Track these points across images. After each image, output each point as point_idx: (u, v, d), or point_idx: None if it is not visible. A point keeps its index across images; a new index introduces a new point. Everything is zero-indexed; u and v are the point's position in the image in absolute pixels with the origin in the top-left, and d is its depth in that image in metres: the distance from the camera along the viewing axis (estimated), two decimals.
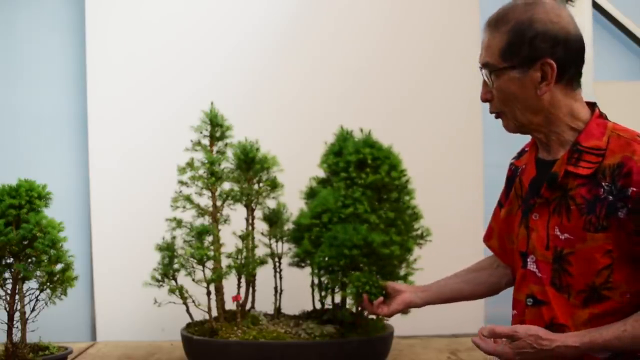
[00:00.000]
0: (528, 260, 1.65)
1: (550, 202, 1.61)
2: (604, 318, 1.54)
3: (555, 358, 1.54)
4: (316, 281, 2.82)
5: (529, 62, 1.57)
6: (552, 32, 1.56)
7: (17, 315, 2.45)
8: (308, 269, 2.77)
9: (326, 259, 2.53)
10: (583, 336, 1.52)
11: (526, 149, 1.85)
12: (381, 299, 2.11)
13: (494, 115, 1.69)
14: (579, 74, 1.62)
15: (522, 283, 1.67)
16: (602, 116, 1.64)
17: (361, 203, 2.58)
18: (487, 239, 1.96)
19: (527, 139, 1.83)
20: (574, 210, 1.56)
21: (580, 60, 1.61)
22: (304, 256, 2.73)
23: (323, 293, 2.84)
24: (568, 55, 1.57)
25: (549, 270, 1.60)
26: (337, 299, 2.79)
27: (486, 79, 1.64)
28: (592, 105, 1.66)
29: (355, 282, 2.22)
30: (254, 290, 2.82)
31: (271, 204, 2.89)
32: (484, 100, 1.66)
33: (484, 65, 1.63)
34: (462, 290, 2.00)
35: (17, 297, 2.46)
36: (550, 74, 1.57)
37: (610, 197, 1.51)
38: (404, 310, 2.11)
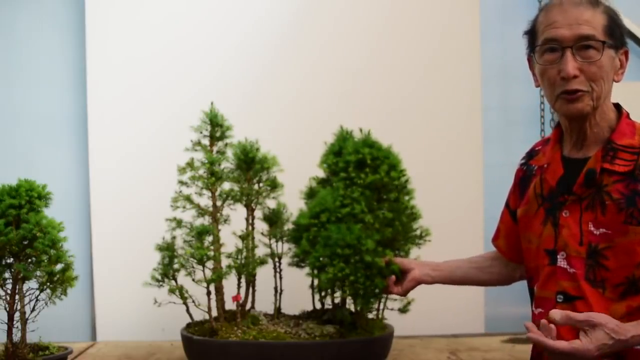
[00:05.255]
0: (558, 257, 1.65)
1: (582, 199, 1.62)
2: None
3: (621, 349, 1.52)
4: (315, 282, 2.82)
5: (618, 46, 1.63)
6: (624, 26, 1.65)
7: (17, 315, 2.45)
8: (307, 269, 2.77)
9: (320, 259, 2.53)
10: None
11: (537, 148, 1.85)
12: (393, 277, 2.10)
13: (568, 95, 1.62)
14: None
15: (550, 280, 1.66)
16: (628, 116, 1.68)
17: (359, 203, 2.58)
18: (495, 239, 1.98)
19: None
20: (610, 205, 1.58)
21: None
22: (303, 256, 2.73)
23: (323, 293, 2.84)
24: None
25: (583, 265, 1.61)
26: (337, 299, 2.79)
27: (574, 53, 1.59)
28: (615, 106, 1.71)
29: (337, 273, 2.25)
30: (254, 290, 2.82)
31: (271, 204, 2.89)
32: (573, 76, 1.59)
33: (588, 37, 1.59)
34: (475, 276, 2.02)
35: (17, 297, 2.46)
36: (624, 63, 1.65)
37: None
38: (415, 287, 2.11)
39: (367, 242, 2.44)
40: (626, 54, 1.66)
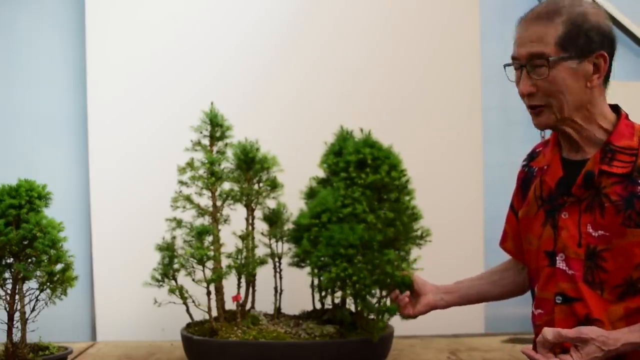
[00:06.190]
0: (557, 258, 1.65)
1: (581, 200, 1.63)
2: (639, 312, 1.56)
3: (614, 357, 1.53)
4: (315, 282, 2.83)
5: (584, 53, 1.60)
6: (602, 27, 1.60)
7: (17, 315, 2.45)
8: (308, 269, 2.77)
9: (323, 258, 2.53)
10: (639, 331, 1.53)
11: (538, 150, 1.85)
12: (407, 299, 2.06)
13: (530, 110, 1.66)
14: (610, 73, 1.66)
15: (550, 281, 1.67)
16: (628, 117, 1.67)
17: (360, 203, 2.58)
18: (503, 242, 1.96)
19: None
20: (609, 207, 1.58)
21: (613, 60, 1.65)
22: (304, 256, 2.73)
23: (323, 293, 2.84)
24: (611, 52, 1.62)
25: (581, 267, 1.61)
26: (337, 299, 2.79)
27: (529, 71, 1.62)
28: (614, 107, 1.70)
29: (340, 272, 2.23)
30: (254, 290, 2.82)
31: (271, 204, 2.90)
32: (527, 93, 1.63)
33: (536, 55, 1.61)
34: (489, 292, 2.00)
35: (17, 297, 2.46)
36: (602, 67, 1.61)
37: None
38: (428, 312, 2.08)
39: (390, 252, 2.44)
40: (603, 57, 1.60)
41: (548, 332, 1.54)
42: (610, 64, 1.63)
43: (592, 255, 1.60)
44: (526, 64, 1.62)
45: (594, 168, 1.62)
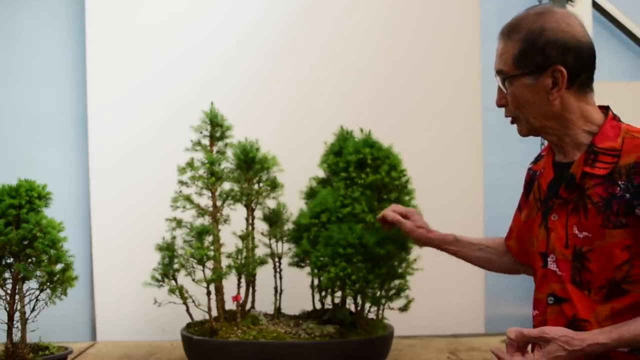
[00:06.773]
0: (548, 259, 1.68)
1: (568, 202, 1.65)
2: (626, 312, 1.57)
3: (583, 357, 1.54)
4: (316, 282, 2.83)
5: (540, 69, 1.63)
6: (562, 40, 1.62)
7: (17, 315, 2.45)
8: (308, 269, 2.77)
9: (322, 258, 2.53)
10: (610, 332, 1.54)
11: (543, 154, 1.87)
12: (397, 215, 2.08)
13: (509, 119, 1.74)
14: (591, 79, 1.68)
15: (543, 282, 1.70)
16: (616, 118, 1.68)
17: (359, 203, 2.58)
18: (507, 239, 2.00)
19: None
20: (591, 209, 1.60)
21: (592, 66, 1.66)
22: (303, 256, 2.73)
23: (323, 293, 2.84)
24: (579, 62, 1.63)
25: (569, 268, 1.63)
26: (337, 299, 2.79)
27: (500, 85, 1.69)
28: (604, 108, 1.71)
29: (339, 272, 2.24)
30: (254, 290, 2.82)
31: (271, 204, 2.90)
32: (499, 105, 1.73)
33: (498, 72, 1.69)
34: (483, 265, 2.04)
35: (17, 297, 2.46)
36: (561, 81, 1.62)
37: (627, 195, 1.56)
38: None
39: (355, 227, 2.47)
40: (560, 71, 1.61)
41: (511, 332, 1.57)
42: (582, 71, 1.63)
43: (579, 256, 1.62)
44: (497, 78, 1.69)
45: (577, 170, 1.63)
